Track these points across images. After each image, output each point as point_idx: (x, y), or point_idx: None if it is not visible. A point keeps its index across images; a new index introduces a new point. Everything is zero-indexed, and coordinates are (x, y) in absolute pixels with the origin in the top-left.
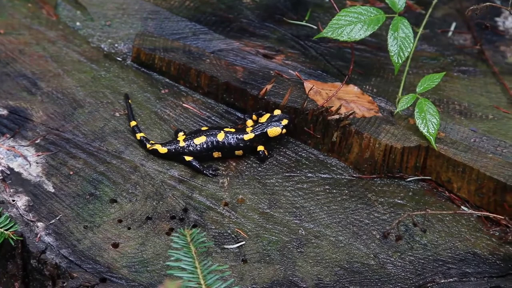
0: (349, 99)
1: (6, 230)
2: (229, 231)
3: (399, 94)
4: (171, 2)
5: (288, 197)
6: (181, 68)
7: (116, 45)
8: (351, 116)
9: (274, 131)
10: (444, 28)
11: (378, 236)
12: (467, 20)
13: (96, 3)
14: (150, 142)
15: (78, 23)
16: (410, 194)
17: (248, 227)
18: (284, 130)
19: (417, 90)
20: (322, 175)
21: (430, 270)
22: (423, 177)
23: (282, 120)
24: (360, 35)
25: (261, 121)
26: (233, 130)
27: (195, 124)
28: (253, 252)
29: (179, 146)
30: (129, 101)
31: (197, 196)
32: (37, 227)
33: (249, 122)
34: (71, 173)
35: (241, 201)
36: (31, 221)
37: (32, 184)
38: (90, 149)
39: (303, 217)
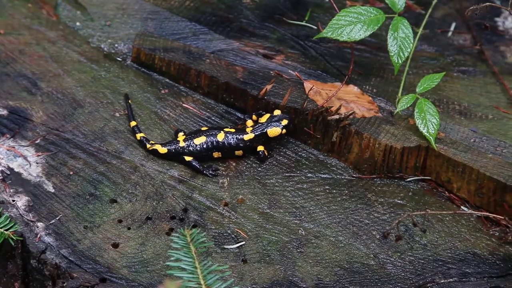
0: (349, 99)
1: (6, 230)
2: (229, 231)
3: (399, 94)
4: (171, 2)
5: (288, 197)
6: (181, 68)
7: (116, 45)
8: (351, 116)
9: (274, 131)
10: (444, 28)
11: (378, 236)
12: (467, 20)
13: (96, 3)
14: (150, 142)
15: (78, 23)
16: (410, 194)
17: (248, 227)
18: (284, 130)
19: (417, 90)
20: (322, 175)
21: (430, 270)
22: (423, 177)
23: (282, 120)
24: (360, 35)
25: (261, 121)
26: (233, 130)
27: (195, 124)
28: (253, 252)
29: (179, 146)
30: (129, 101)
31: (197, 196)
32: (37, 227)
33: (249, 122)
34: (71, 173)
35: (241, 201)
36: (31, 221)
37: (32, 184)
38: (90, 149)
39: (303, 217)
